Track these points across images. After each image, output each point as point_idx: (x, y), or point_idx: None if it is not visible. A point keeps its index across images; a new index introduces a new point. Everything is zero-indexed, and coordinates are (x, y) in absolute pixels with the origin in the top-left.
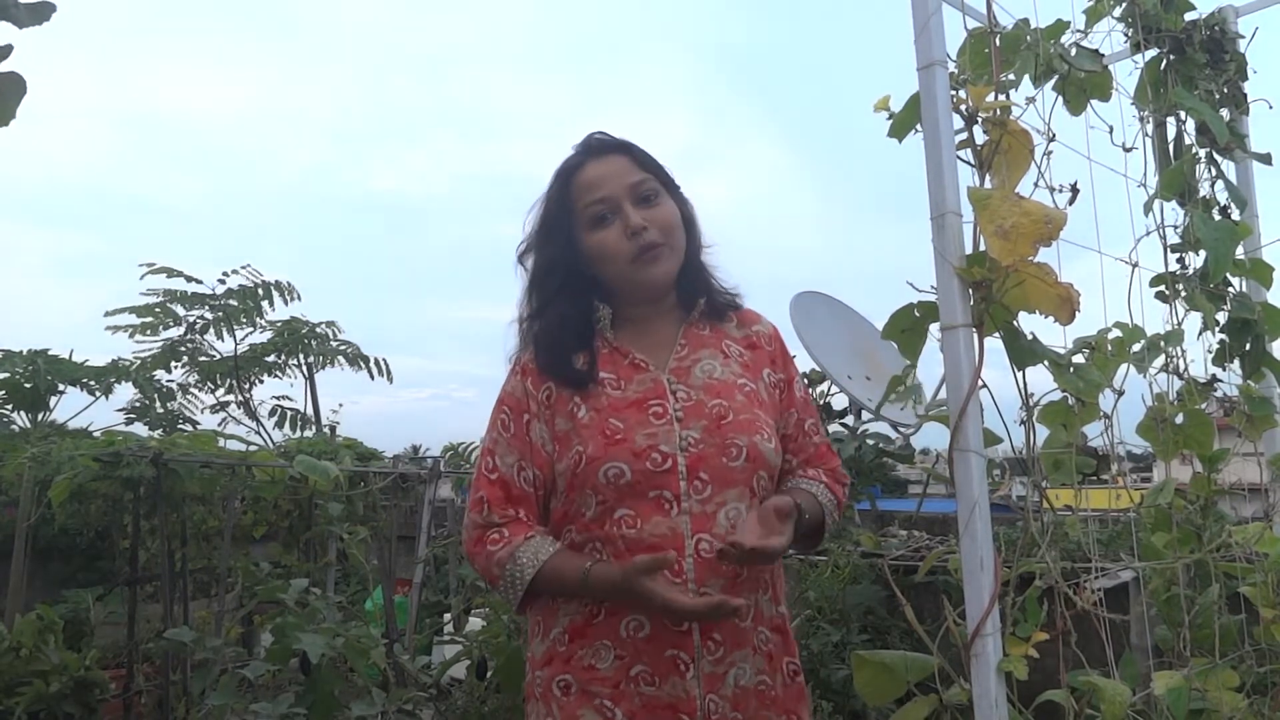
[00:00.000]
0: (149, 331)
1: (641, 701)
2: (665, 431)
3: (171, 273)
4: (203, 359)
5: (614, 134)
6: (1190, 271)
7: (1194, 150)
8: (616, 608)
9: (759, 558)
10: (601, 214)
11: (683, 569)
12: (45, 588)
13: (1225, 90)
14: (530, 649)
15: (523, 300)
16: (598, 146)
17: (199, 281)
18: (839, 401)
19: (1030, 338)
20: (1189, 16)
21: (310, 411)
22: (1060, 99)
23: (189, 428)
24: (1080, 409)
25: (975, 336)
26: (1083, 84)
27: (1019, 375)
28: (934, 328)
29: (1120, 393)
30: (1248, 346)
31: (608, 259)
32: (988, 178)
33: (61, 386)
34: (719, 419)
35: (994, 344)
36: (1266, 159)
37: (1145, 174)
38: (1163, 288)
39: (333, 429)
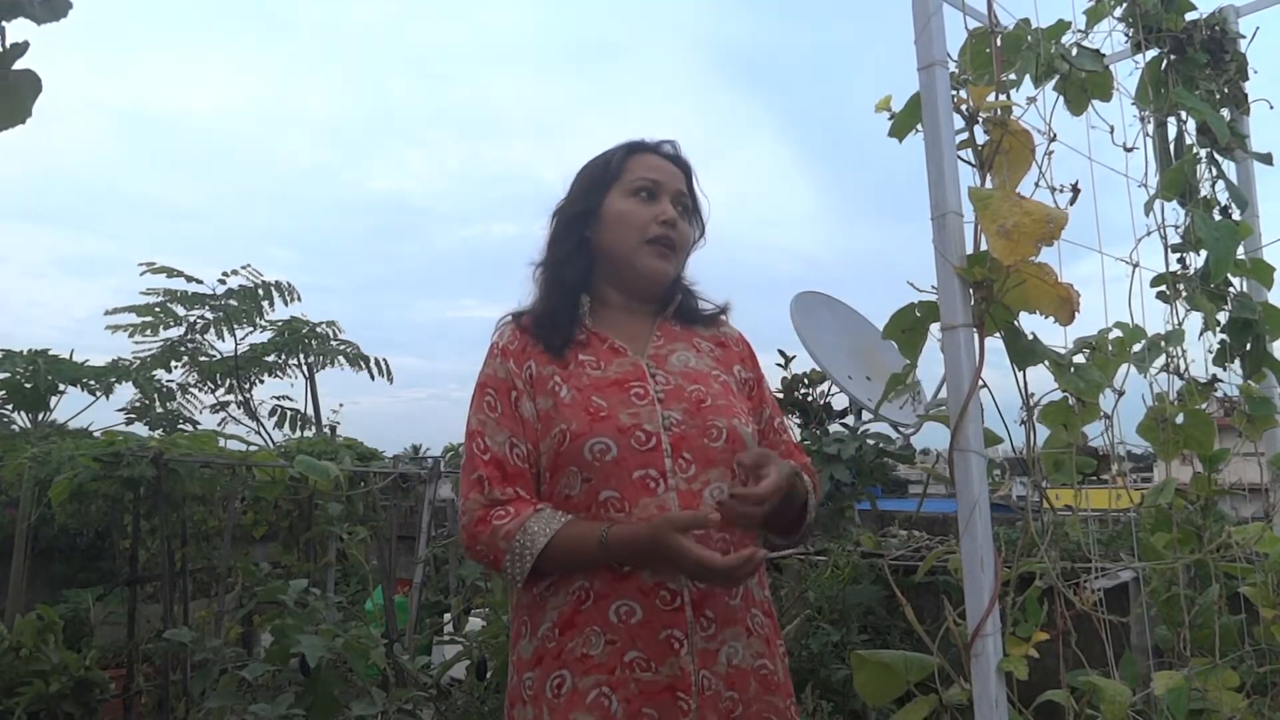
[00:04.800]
0: (149, 331)
1: (638, 688)
2: (648, 411)
3: (172, 272)
4: (203, 359)
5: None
6: (1191, 271)
7: (1195, 150)
8: (605, 592)
9: (754, 508)
10: (646, 189)
11: None
12: (45, 588)
13: (1226, 90)
14: (516, 651)
15: (543, 249)
16: (670, 151)
17: (199, 281)
18: (839, 401)
19: (1031, 338)
20: (1190, 16)
21: (310, 411)
22: (1061, 99)
23: (189, 428)
24: (1081, 409)
25: (976, 336)
26: (1084, 84)
27: (1019, 375)
28: (934, 328)
29: (1121, 393)
30: (1248, 346)
31: (626, 226)
32: (989, 178)
33: (62, 386)
34: (698, 402)
35: (994, 344)
36: (1267, 159)
37: (1146, 174)
38: (1164, 288)
39: (333, 429)
